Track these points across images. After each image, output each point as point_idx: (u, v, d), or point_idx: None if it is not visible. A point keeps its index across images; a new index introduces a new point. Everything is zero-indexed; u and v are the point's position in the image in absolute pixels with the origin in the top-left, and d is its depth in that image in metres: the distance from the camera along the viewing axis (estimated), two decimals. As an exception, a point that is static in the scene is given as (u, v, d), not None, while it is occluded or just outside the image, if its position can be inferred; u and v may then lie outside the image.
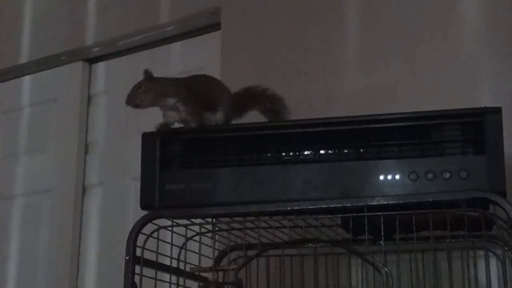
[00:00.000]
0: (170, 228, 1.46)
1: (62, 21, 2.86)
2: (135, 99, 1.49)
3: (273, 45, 2.25)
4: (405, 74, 1.98)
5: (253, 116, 1.65)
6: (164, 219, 1.47)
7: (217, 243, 1.56)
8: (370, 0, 2.10)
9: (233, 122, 1.60)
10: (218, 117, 1.53)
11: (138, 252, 1.42)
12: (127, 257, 1.41)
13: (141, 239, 1.43)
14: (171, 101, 1.49)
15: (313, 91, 2.10)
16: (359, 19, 2.12)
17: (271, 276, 1.61)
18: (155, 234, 1.44)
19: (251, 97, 1.63)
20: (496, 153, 1.32)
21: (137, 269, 1.41)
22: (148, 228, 1.45)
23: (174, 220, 1.47)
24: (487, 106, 1.36)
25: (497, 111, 1.34)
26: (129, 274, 1.40)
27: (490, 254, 1.55)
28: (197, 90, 1.53)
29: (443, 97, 1.89)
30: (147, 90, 1.49)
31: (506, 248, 1.40)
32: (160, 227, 1.45)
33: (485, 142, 1.33)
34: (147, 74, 1.51)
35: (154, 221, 1.45)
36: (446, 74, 1.93)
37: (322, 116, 1.47)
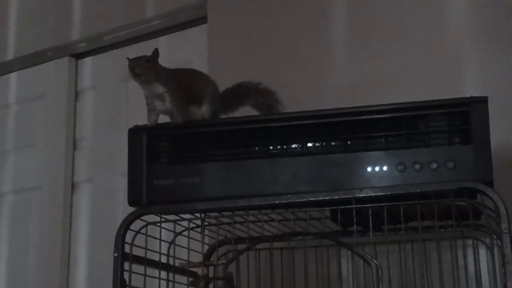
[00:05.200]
0: (158, 224, 1.46)
1: (48, 16, 2.84)
2: (139, 70, 1.47)
3: (260, 38, 2.25)
4: (393, 67, 1.98)
5: (242, 111, 1.65)
6: (153, 215, 1.47)
7: (206, 238, 1.56)
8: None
9: (226, 116, 1.60)
10: (204, 110, 1.53)
11: (127, 248, 1.42)
12: (115, 254, 1.40)
13: (130, 235, 1.43)
14: (161, 89, 1.49)
15: (301, 84, 2.10)
16: (347, 12, 2.12)
17: (261, 269, 1.61)
18: (143, 230, 1.43)
19: (244, 92, 1.63)
20: (483, 143, 1.32)
21: (126, 265, 1.41)
22: (137, 224, 1.45)
23: (163, 216, 1.47)
24: (473, 96, 1.36)
25: (483, 100, 1.34)
26: (118, 270, 1.39)
27: (479, 243, 1.56)
28: (183, 83, 1.53)
29: (430, 87, 1.89)
30: (151, 68, 1.48)
31: (494, 236, 1.41)
32: (148, 223, 1.44)
33: (472, 132, 1.33)
34: (156, 54, 1.50)
35: (142, 217, 1.45)
36: (432, 65, 1.93)
37: (311, 109, 1.47)
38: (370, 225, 1.35)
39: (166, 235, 1.50)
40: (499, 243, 1.33)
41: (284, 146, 1.42)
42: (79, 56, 2.80)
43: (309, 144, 1.41)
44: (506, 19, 1.86)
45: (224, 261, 1.45)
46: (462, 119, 1.34)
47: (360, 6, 2.09)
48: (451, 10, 1.95)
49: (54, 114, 2.77)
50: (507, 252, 1.24)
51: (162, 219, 1.46)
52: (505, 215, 1.25)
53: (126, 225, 1.43)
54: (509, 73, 1.82)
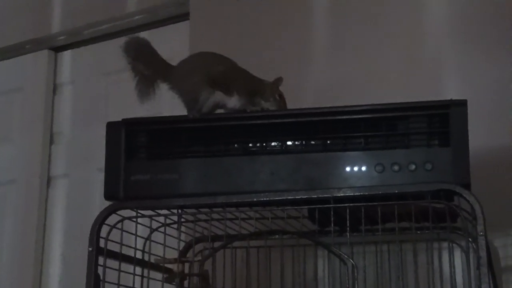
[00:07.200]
0: (134, 219, 1.45)
1: (27, 9, 2.81)
2: None
3: (242, 36, 2.24)
4: (373, 67, 1.99)
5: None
6: (129, 210, 1.45)
7: (183, 235, 1.55)
8: (338, -8, 2.11)
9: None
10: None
11: (102, 243, 1.41)
12: (90, 249, 1.39)
13: (105, 230, 1.42)
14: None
15: (282, 83, 2.09)
16: (328, 12, 2.12)
17: (237, 267, 1.60)
18: (119, 225, 1.42)
19: None
20: (461, 146, 1.32)
21: (101, 260, 1.40)
22: (113, 219, 1.43)
23: (139, 211, 1.46)
24: (453, 98, 1.36)
25: (462, 103, 1.35)
26: (93, 265, 1.38)
27: (455, 245, 1.56)
28: None
29: (410, 89, 1.90)
30: None
31: (470, 239, 1.42)
32: (124, 218, 1.43)
33: (451, 135, 1.33)
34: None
35: (118, 212, 1.43)
36: (412, 67, 1.94)
37: (291, 108, 1.46)
38: (347, 225, 1.35)
39: (142, 231, 1.49)
40: (475, 246, 1.33)
41: (264, 144, 1.42)
42: (58, 49, 2.78)
43: (289, 143, 1.41)
44: (486, 23, 1.88)
45: (200, 258, 1.44)
46: (441, 122, 1.35)
47: (341, 7, 2.10)
48: (431, 13, 1.97)
49: (31, 108, 2.74)
50: (482, 254, 1.24)
51: (138, 214, 1.45)
52: (481, 218, 1.26)
53: (101, 219, 1.41)
54: (488, 76, 1.84)
